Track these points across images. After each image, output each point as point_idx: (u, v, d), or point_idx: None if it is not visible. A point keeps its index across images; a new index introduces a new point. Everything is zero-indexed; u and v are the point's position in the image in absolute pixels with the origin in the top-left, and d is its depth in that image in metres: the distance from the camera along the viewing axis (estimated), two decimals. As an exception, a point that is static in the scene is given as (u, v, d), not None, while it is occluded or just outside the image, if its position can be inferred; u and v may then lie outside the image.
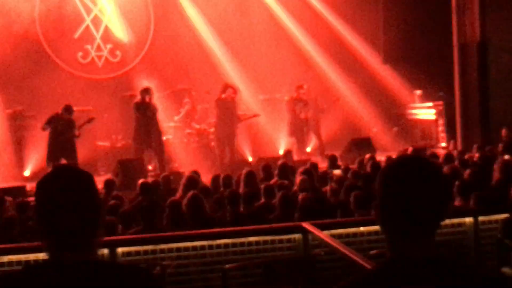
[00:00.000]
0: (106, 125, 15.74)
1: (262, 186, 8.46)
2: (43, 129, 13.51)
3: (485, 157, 10.64)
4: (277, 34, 17.83)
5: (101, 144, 15.41)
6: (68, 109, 13.68)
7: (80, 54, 16.60)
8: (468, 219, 6.57)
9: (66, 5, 16.28)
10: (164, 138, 14.48)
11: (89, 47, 16.70)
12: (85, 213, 2.27)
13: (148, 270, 2.51)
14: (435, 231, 2.23)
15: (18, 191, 10.42)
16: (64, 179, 2.31)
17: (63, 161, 13.34)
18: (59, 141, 13.44)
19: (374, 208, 2.31)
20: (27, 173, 14.59)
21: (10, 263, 5.59)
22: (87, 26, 16.66)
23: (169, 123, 15.54)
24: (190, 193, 7.36)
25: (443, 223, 2.24)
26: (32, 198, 9.02)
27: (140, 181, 9.36)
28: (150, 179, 10.61)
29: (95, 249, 2.30)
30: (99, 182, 10.92)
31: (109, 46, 16.81)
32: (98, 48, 16.79)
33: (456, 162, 10.29)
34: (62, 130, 13.45)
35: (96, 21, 16.73)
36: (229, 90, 14.67)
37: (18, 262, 5.58)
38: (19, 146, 14.83)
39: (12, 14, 15.55)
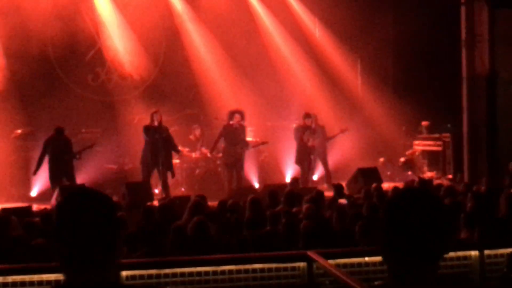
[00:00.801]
0: (114, 147, 15.81)
1: (268, 213, 8.46)
2: (41, 154, 13.68)
3: (491, 190, 10.62)
4: (286, 61, 17.96)
5: (108, 166, 15.46)
6: (60, 131, 13.83)
7: (90, 76, 16.74)
8: (474, 253, 6.53)
9: (79, 28, 16.45)
10: (173, 162, 14.53)
11: (99, 69, 16.84)
12: (103, 235, 2.29)
13: None
14: (438, 263, 2.26)
15: (24, 211, 10.42)
16: (84, 201, 2.33)
17: (65, 182, 13.53)
18: (58, 163, 13.59)
19: (378, 238, 2.34)
20: (33, 193, 14.63)
21: (14, 284, 5.59)
22: (98, 49, 16.82)
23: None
24: (195, 218, 7.37)
25: (447, 255, 2.26)
26: (37, 219, 9.04)
27: (146, 205, 9.36)
28: (156, 203, 10.64)
29: (112, 271, 2.33)
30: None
31: (119, 69, 16.95)
32: (109, 71, 16.94)
33: (462, 195, 10.27)
34: (59, 153, 13.60)
35: (108, 44, 16.88)
36: (236, 116, 14.72)
37: (23, 283, 5.57)
38: (26, 166, 14.89)
39: (28, 36, 15.69)
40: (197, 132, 15.93)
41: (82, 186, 12.76)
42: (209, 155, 15.22)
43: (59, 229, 2.31)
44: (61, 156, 13.65)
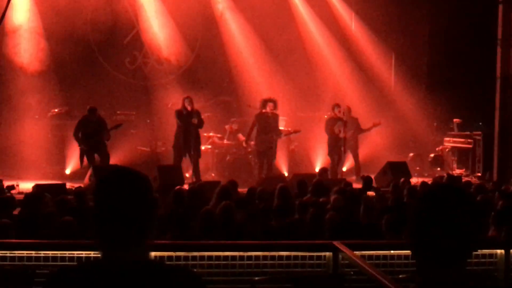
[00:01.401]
0: (148, 130, 16.00)
1: (297, 202, 8.53)
2: (75, 132, 13.87)
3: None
4: (321, 53, 17.98)
5: (141, 148, 15.64)
6: (92, 110, 13.99)
7: (128, 59, 16.93)
8: (500, 251, 6.54)
9: (118, 11, 16.61)
10: (203, 147, 14.67)
11: (137, 53, 17.02)
12: (139, 214, 2.34)
13: (195, 273, 2.56)
14: (466, 260, 2.28)
15: (58, 189, 10.61)
16: (121, 180, 2.39)
17: (97, 160, 13.74)
18: (90, 142, 13.78)
19: (406, 233, 2.37)
20: (68, 171, 14.89)
21: (46, 258, 5.72)
22: (137, 33, 16.99)
23: (209, 133, 15.72)
24: (222, 203, 7.47)
25: (474, 253, 2.27)
26: (71, 197, 9.23)
27: (177, 188, 9.47)
28: (186, 186, 10.77)
29: (147, 250, 2.36)
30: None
31: (156, 53, 17.12)
32: (146, 55, 17.11)
33: (491, 193, 10.23)
34: (92, 132, 13.80)
35: (146, 28, 17.04)
36: (269, 105, 14.76)
37: (54, 258, 5.70)
38: (61, 145, 15.15)
39: (68, 19, 15.88)
40: (234, 126, 16.00)
41: (115, 166, 12.95)
42: (244, 144, 15.27)
43: (95, 207, 2.37)
44: (93, 135, 13.85)
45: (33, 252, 5.71)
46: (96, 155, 13.95)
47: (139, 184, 2.40)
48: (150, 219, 2.37)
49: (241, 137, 15.87)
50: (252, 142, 15.09)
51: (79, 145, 13.90)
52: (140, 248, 2.34)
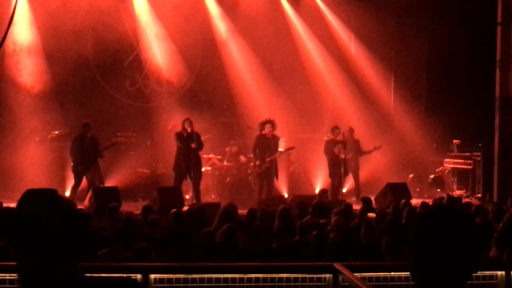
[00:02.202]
0: (148, 152, 16.02)
1: (298, 223, 8.52)
2: (72, 153, 13.98)
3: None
4: (321, 74, 18.06)
5: (141, 170, 15.65)
6: (87, 126, 14.16)
7: (128, 81, 17.00)
8: (500, 272, 6.53)
9: (118, 34, 16.70)
10: (203, 169, 14.69)
11: (137, 75, 17.09)
12: (61, 233, 2.31)
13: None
14: (466, 282, 2.26)
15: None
16: (39, 202, 2.35)
17: (88, 179, 13.80)
18: (83, 160, 13.87)
19: (406, 254, 2.37)
20: (68, 193, 14.88)
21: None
22: (137, 55, 17.08)
23: (209, 155, 15.74)
24: (225, 225, 7.46)
25: (474, 274, 2.26)
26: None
27: (173, 210, 9.46)
28: (185, 208, 10.77)
29: (72, 268, 2.34)
30: (137, 208, 11.15)
31: (156, 75, 17.20)
32: (146, 77, 17.18)
33: (492, 214, 10.22)
34: (88, 150, 13.91)
35: (146, 50, 17.14)
36: (267, 126, 14.80)
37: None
38: (62, 167, 15.16)
39: (68, 41, 15.98)
40: (234, 148, 16.05)
41: (114, 188, 12.96)
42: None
43: (19, 228, 2.34)
44: (89, 153, 13.95)
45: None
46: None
47: (59, 203, 2.38)
48: (70, 238, 2.34)
49: (242, 158, 15.90)
50: (257, 162, 15.05)
51: (77, 164, 13.98)
52: (67, 267, 2.33)
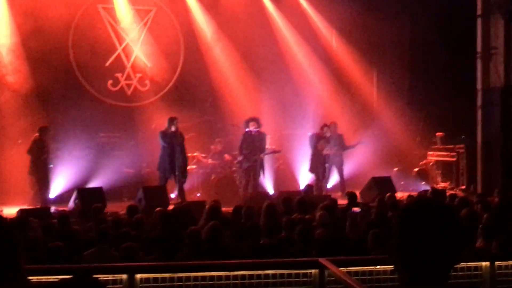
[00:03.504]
0: (132, 152, 15.96)
1: (284, 219, 8.54)
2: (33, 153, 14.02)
3: (505, 201, 10.64)
4: (303, 71, 18.08)
5: (126, 170, 15.60)
6: (45, 129, 14.22)
7: (110, 82, 16.93)
8: (485, 263, 6.57)
9: (99, 34, 16.63)
10: (188, 167, 14.67)
11: (119, 75, 17.03)
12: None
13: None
14: (449, 274, 2.27)
15: (42, 213, 10.58)
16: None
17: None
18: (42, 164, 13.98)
19: (389, 247, 2.38)
20: (52, 195, 14.80)
21: (31, 285, 5.65)
22: (118, 55, 17.01)
23: (193, 153, 15.72)
24: (210, 223, 7.46)
25: (459, 265, 2.27)
26: (55, 221, 9.19)
27: (158, 209, 9.45)
28: (170, 207, 10.75)
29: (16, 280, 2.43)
30: (123, 208, 11.12)
31: (138, 75, 17.15)
32: (128, 77, 17.12)
33: (477, 205, 10.30)
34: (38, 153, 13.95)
35: (127, 50, 17.09)
36: (251, 123, 14.82)
37: (40, 284, 5.64)
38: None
39: (49, 41, 15.87)
40: (219, 146, 16.06)
41: (99, 188, 12.93)
42: (239, 158, 15.23)
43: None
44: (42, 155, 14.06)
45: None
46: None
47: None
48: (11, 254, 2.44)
49: (227, 156, 15.91)
50: (240, 158, 15.06)
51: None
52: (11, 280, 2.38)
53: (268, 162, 15.77)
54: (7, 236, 2.42)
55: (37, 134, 14.23)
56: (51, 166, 14.41)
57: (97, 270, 5.85)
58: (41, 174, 14.05)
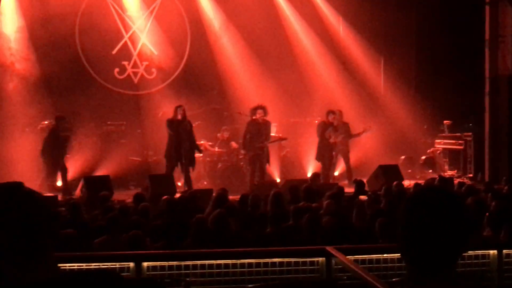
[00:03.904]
0: (138, 140, 15.98)
1: (291, 207, 8.54)
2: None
3: (513, 190, 10.61)
4: (310, 58, 18.03)
5: (133, 158, 15.62)
6: (62, 119, 14.33)
7: (117, 70, 16.93)
8: (493, 252, 6.56)
9: (106, 22, 16.61)
10: (195, 155, 14.67)
11: (126, 63, 17.03)
12: (31, 230, 2.25)
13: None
14: (456, 262, 2.26)
15: (50, 201, 10.60)
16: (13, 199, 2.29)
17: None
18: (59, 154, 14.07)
19: (396, 236, 2.36)
20: (59, 183, 14.84)
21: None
22: (125, 43, 17.00)
23: (200, 141, 15.72)
24: (216, 211, 7.47)
25: (467, 253, 2.26)
26: (63, 209, 9.21)
27: (165, 197, 9.45)
28: (177, 196, 10.76)
29: (47, 263, 2.28)
30: (129, 196, 11.14)
31: (145, 63, 17.15)
32: (135, 65, 17.11)
33: (484, 193, 10.27)
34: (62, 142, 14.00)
35: (134, 38, 17.08)
36: (259, 112, 14.79)
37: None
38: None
39: (55, 30, 15.89)
40: (226, 134, 16.04)
41: (106, 177, 12.95)
42: (242, 151, 15.26)
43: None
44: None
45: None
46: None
47: (23, 197, 2.30)
48: (40, 235, 2.27)
49: (233, 144, 15.90)
50: (243, 151, 15.07)
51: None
52: (40, 262, 2.25)
53: (274, 150, 15.76)
54: (37, 211, 2.30)
55: (54, 123, 14.28)
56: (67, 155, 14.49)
57: (104, 258, 5.87)
58: (52, 161, 14.10)
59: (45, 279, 2.23)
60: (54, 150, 14.05)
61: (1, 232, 2.22)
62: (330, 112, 15.69)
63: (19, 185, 2.31)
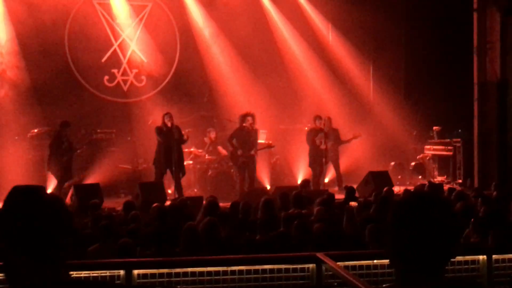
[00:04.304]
0: (128, 148, 15.95)
1: (282, 214, 8.54)
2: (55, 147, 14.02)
3: (503, 195, 10.66)
4: (300, 65, 18.08)
5: (123, 166, 15.60)
6: (67, 124, 14.27)
7: (106, 77, 16.91)
8: (482, 257, 6.57)
9: (95, 30, 16.61)
10: (184, 163, 14.67)
11: (115, 71, 17.01)
12: (50, 236, 2.28)
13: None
14: (444, 268, 2.27)
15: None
16: (31, 202, 2.31)
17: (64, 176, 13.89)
18: (63, 160, 13.96)
19: (385, 241, 2.38)
20: (49, 191, 14.78)
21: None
22: (115, 51, 16.99)
23: (190, 149, 15.72)
24: (206, 219, 7.46)
25: (456, 259, 2.28)
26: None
27: (155, 205, 9.44)
28: (167, 203, 10.75)
29: (61, 269, 2.30)
30: (119, 204, 11.12)
31: (135, 71, 17.14)
32: (124, 73, 17.10)
33: (473, 199, 10.31)
34: (65, 149, 13.94)
35: (124, 46, 17.07)
36: (248, 119, 14.82)
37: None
38: (42, 165, 15.06)
39: (45, 38, 15.87)
40: (212, 135, 16.06)
41: (96, 185, 12.92)
42: (226, 153, 15.29)
43: (5, 226, 2.28)
44: (64, 154, 14.02)
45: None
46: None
47: (47, 200, 2.34)
48: (59, 240, 2.30)
49: (221, 149, 15.88)
50: (240, 152, 14.99)
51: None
52: (55, 268, 2.28)
53: (264, 157, 15.77)
54: (60, 215, 2.33)
55: (58, 129, 14.26)
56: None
57: (94, 266, 5.85)
58: (58, 169, 14.06)
59: (56, 284, 2.25)
60: (60, 157, 14.03)
61: (24, 232, 2.24)
62: (317, 117, 15.72)
63: (42, 189, 2.36)
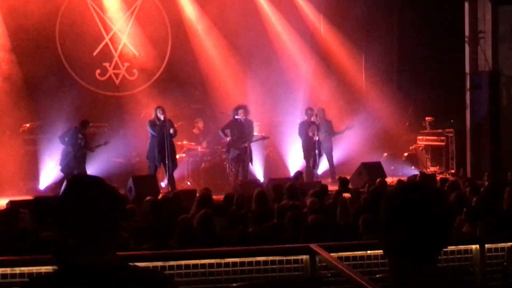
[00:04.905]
0: (121, 141, 15.92)
1: (275, 206, 8.55)
2: (62, 141, 13.95)
3: (495, 185, 10.69)
4: (292, 57, 18.06)
5: (116, 160, 15.58)
6: (85, 124, 14.06)
7: (98, 71, 16.86)
8: (475, 246, 6.60)
9: (86, 23, 16.55)
10: (177, 156, 14.66)
11: (107, 64, 16.96)
12: (107, 222, 2.41)
13: (166, 276, 2.66)
14: (437, 257, 2.28)
15: (33, 204, 10.53)
16: (89, 190, 2.44)
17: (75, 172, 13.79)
18: (78, 155, 13.80)
19: (378, 232, 2.39)
20: (42, 186, 14.77)
21: (21, 275, 5.64)
22: (106, 44, 16.93)
23: (182, 142, 15.71)
24: (201, 211, 7.46)
25: (449, 248, 2.29)
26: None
27: (148, 198, 9.44)
28: (160, 196, 10.75)
29: (112, 254, 2.42)
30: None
31: (126, 64, 17.09)
32: (116, 66, 17.05)
33: (466, 189, 10.35)
34: (81, 145, 13.88)
35: (115, 39, 17.01)
36: (240, 111, 14.82)
37: (30, 274, 5.63)
38: (35, 160, 15.03)
39: (36, 32, 15.81)
40: (200, 125, 16.07)
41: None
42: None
43: (65, 217, 2.40)
44: (82, 149, 14.05)
45: (8, 269, 5.65)
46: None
47: (105, 193, 2.45)
48: (115, 227, 2.46)
49: (205, 144, 15.86)
50: (229, 138, 14.97)
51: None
52: (108, 253, 2.39)
53: (257, 149, 15.77)
54: (116, 203, 2.46)
55: (75, 126, 14.25)
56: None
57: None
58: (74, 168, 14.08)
59: (106, 265, 2.37)
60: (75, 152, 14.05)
61: (87, 218, 2.36)
62: (308, 109, 15.76)
63: (101, 179, 2.51)
